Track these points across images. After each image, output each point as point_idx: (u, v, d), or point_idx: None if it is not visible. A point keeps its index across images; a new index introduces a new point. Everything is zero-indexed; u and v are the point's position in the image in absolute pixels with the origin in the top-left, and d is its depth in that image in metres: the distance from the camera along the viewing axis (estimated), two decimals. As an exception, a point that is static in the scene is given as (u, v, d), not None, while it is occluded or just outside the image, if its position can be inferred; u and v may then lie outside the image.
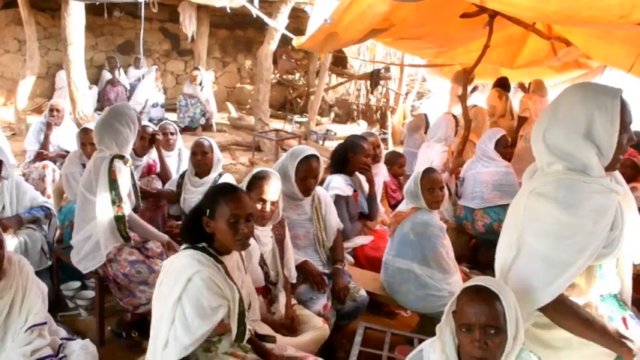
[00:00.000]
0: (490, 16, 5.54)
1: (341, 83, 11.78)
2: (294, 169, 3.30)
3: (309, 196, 3.39)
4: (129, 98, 10.12)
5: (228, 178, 4.19)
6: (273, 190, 2.89)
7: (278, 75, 11.80)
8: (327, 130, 9.31)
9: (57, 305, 3.67)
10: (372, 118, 10.97)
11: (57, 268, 3.72)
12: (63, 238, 3.88)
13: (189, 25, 9.51)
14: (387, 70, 10.48)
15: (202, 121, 9.31)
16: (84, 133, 4.18)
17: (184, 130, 9.17)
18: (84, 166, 4.07)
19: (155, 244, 3.42)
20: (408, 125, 7.45)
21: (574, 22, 3.36)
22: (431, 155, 5.28)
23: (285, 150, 8.03)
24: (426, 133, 6.86)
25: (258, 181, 2.90)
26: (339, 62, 11.46)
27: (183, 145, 4.98)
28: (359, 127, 10.42)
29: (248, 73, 12.46)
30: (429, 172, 3.32)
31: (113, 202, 3.21)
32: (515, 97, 8.09)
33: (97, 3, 8.07)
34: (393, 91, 10.68)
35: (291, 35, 6.05)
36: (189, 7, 9.46)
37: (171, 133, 4.77)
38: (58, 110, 5.56)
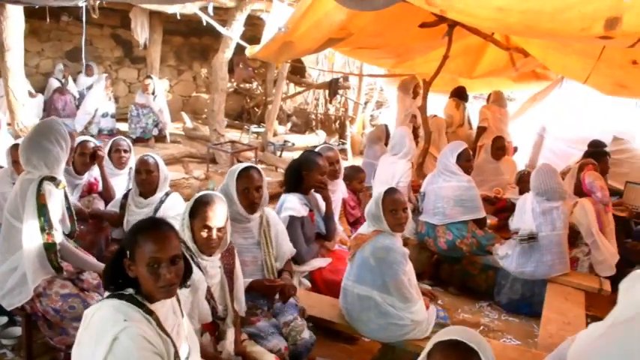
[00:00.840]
0: (449, 26, 5.43)
1: (299, 92, 11.57)
2: (234, 185, 3.06)
3: (254, 212, 3.12)
4: (78, 107, 9.66)
5: (175, 199, 3.90)
6: (219, 215, 2.62)
7: (235, 84, 11.50)
8: (285, 141, 9.07)
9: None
10: (330, 127, 10.78)
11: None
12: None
13: (141, 31, 9.15)
14: (346, 79, 10.33)
15: (155, 131, 8.94)
16: (15, 150, 3.82)
17: (136, 141, 8.79)
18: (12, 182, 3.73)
19: (91, 275, 3.10)
20: (369, 136, 7.27)
21: (534, 33, 3.27)
22: (394, 172, 5.07)
23: (240, 162, 7.76)
24: (386, 144, 6.72)
25: (201, 206, 2.62)
26: (297, 71, 11.24)
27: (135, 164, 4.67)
28: (317, 137, 10.22)
29: (204, 81, 12.12)
30: (391, 192, 3.10)
31: (42, 230, 2.89)
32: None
33: (37, 7, 7.65)
34: (352, 101, 10.52)
35: (245, 44, 5.80)
36: (140, 14, 9.09)
37: (125, 151, 4.44)
38: None
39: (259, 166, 3.21)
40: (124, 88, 11.30)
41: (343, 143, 9.55)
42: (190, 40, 11.75)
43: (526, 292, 4.36)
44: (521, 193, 5.31)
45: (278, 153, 8.87)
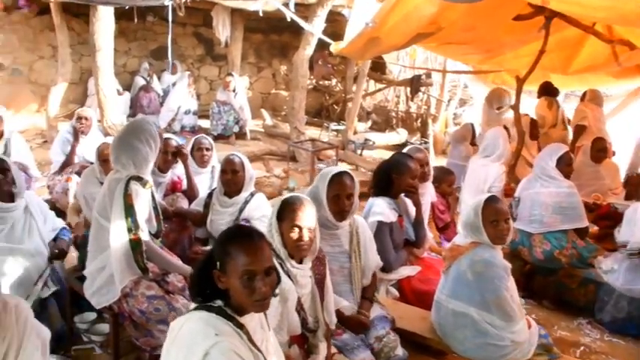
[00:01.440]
0: (547, 18, 5.05)
1: (380, 89, 11.32)
2: (324, 190, 2.92)
3: (343, 220, 2.98)
4: (161, 104, 9.88)
5: (260, 199, 3.82)
6: (308, 216, 2.49)
7: (314, 80, 11.40)
8: (366, 140, 8.87)
9: (70, 339, 3.33)
10: (412, 126, 10.48)
11: (70, 298, 3.38)
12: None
13: (222, 29, 9.20)
14: (429, 76, 10.00)
15: (236, 128, 8.98)
16: (104, 149, 3.86)
17: (217, 138, 8.87)
18: (100, 182, 3.76)
19: (176, 278, 3.05)
20: (454, 135, 6.98)
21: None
22: (486, 176, 4.78)
23: (321, 160, 7.65)
24: (472, 144, 6.42)
25: (289, 207, 2.50)
26: (378, 68, 11.01)
27: (217, 162, 4.63)
28: (398, 136, 9.96)
29: (283, 78, 12.11)
30: (492, 201, 2.85)
31: (129, 230, 2.85)
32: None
33: (127, 7, 7.84)
34: (435, 98, 10.18)
35: (328, 40, 5.65)
36: (222, 12, 9.14)
37: (207, 149, 4.42)
38: (85, 119, 5.29)
39: (349, 169, 3.03)
40: (205, 86, 11.46)
41: (425, 142, 9.24)
42: (270, 37, 11.77)
43: (633, 311, 3.96)
44: (627, 198, 4.87)
45: (358, 151, 8.69)
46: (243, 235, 1.89)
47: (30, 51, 9.41)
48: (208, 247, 3.68)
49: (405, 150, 4.17)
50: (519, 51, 6.46)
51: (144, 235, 2.93)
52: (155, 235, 3.21)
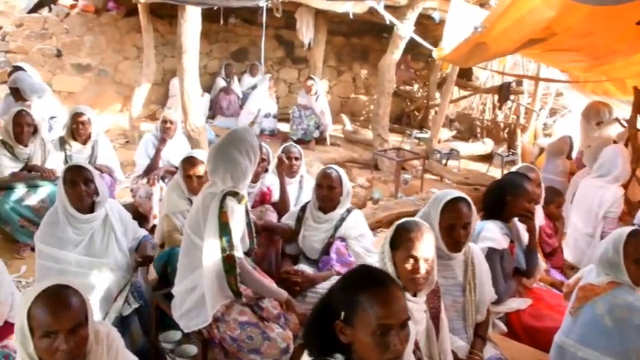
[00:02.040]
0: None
1: (464, 97, 10.83)
2: (437, 218, 2.62)
3: (458, 251, 2.67)
4: (241, 107, 9.80)
5: (358, 217, 3.54)
6: (426, 245, 2.21)
7: (395, 85, 11.04)
8: (452, 149, 8.44)
9: (154, 359, 3.16)
10: (498, 135, 9.93)
11: (156, 316, 3.20)
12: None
13: (306, 32, 9.01)
14: (519, 83, 9.45)
15: (316, 133, 8.75)
16: (189, 164, 3.66)
17: (297, 142, 8.66)
18: (190, 201, 3.57)
19: (272, 303, 2.80)
20: (550, 148, 6.46)
21: None
22: (601, 199, 4.31)
23: (405, 170, 7.30)
24: (569, 158, 5.95)
25: (405, 234, 2.22)
26: (464, 74, 10.52)
27: (306, 172, 4.39)
28: (484, 146, 9.45)
29: (363, 82, 11.81)
30: (636, 236, 2.45)
31: (223, 250, 2.63)
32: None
33: (215, 8, 7.77)
34: (525, 107, 9.60)
35: (428, 46, 5.30)
36: (306, 13, 8.95)
37: (296, 158, 4.18)
38: (171, 122, 5.17)
39: (467, 197, 2.70)
40: (284, 89, 11.32)
41: (513, 154, 8.71)
42: (351, 40, 11.49)
43: None
44: None
45: (443, 162, 8.27)
46: (375, 281, 1.61)
47: (116, 52, 9.55)
48: (301, 267, 3.44)
49: (515, 168, 3.79)
50: (631, 58, 5.89)
51: (238, 255, 2.71)
52: (247, 253, 3.00)
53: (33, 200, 4.35)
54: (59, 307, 1.78)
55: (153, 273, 3.66)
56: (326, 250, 3.48)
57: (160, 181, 4.99)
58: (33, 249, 4.48)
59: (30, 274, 4.12)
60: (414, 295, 2.24)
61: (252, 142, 2.80)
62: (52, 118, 5.65)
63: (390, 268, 2.23)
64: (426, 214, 2.71)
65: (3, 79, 8.39)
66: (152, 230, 5.01)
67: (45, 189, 4.42)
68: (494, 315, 3.26)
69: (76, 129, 4.66)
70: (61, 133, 4.88)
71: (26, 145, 4.45)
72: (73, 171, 2.99)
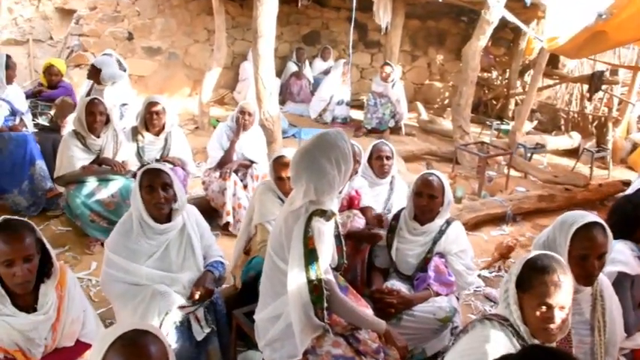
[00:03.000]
0: None
1: (550, 85, 10.06)
2: (566, 245, 2.22)
3: (590, 285, 2.28)
4: (312, 93, 9.45)
5: (458, 230, 3.14)
6: (564, 290, 1.84)
7: (472, 72, 10.41)
8: (537, 144, 7.79)
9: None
10: (586, 129, 9.17)
11: (235, 335, 2.89)
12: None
13: (383, 15, 8.48)
14: (614, 72, 8.66)
15: (391, 123, 8.29)
16: (279, 164, 3.27)
17: (370, 132, 8.28)
18: (282, 200, 3.22)
19: (369, 335, 2.43)
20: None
21: None
22: None
23: (488, 165, 6.75)
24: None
25: (536, 275, 1.87)
26: (549, 61, 9.77)
27: (397, 172, 4.00)
28: (571, 140, 8.73)
29: (439, 68, 11.21)
30: None
31: (310, 281, 2.25)
32: None
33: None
34: (619, 99, 8.81)
35: (533, 34, 4.75)
36: (384, -4, 8.46)
37: (387, 157, 3.84)
38: (249, 114, 4.85)
39: (603, 223, 2.25)
40: (356, 74, 10.87)
41: (603, 149, 7.99)
42: (427, 23, 10.89)
43: None
44: None
45: (527, 157, 7.64)
46: None
47: (186, 35, 9.36)
48: (395, 284, 3.05)
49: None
50: None
51: (329, 277, 2.35)
52: (336, 269, 2.64)
53: (103, 194, 4.14)
54: (138, 358, 1.49)
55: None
56: (422, 266, 3.09)
57: (234, 174, 4.70)
58: (103, 244, 4.36)
59: (100, 272, 3.92)
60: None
61: (345, 149, 2.36)
62: (124, 105, 5.44)
63: (515, 312, 1.90)
64: (551, 241, 2.29)
65: (76, 62, 8.35)
66: (225, 227, 4.76)
67: (116, 183, 4.21)
68: (620, 351, 2.79)
69: (150, 119, 4.41)
70: (134, 123, 4.65)
71: (98, 136, 4.23)
72: (150, 175, 2.69)
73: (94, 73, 5.48)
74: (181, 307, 2.64)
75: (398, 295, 2.91)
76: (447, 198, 3.06)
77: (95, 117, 4.12)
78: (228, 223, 4.73)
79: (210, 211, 4.97)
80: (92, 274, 3.96)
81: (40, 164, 4.66)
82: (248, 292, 3.19)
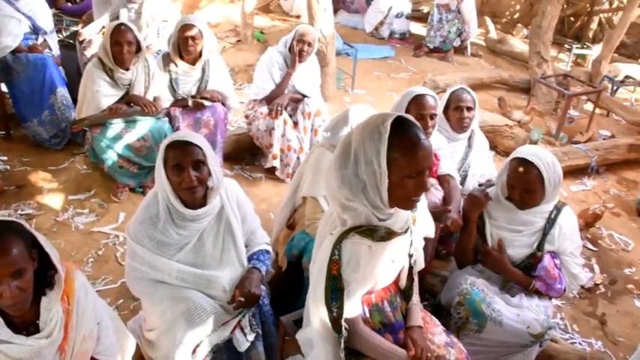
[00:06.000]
0: None
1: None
2: None
3: None
4: (368, 3, 8.45)
5: (572, 220, 2.48)
6: None
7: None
8: (626, 77, 6.78)
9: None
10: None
11: (282, 341, 2.38)
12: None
13: None
14: None
15: (457, 42, 7.34)
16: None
17: (432, 51, 7.39)
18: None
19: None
20: None
21: None
22: None
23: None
24: None
25: None
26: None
27: (478, 126, 3.31)
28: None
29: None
30: None
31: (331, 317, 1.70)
32: None
33: None
34: None
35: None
36: None
37: (469, 108, 3.13)
38: (309, 45, 4.07)
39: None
40: (416, -19, 9.73)
41: None
42: None
43: None
44: None
45: (612, 92, 6.65)
46: None
47: None
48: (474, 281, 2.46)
49: None
50: None
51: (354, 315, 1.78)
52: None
53: (133, 137, 3.58)
54: None
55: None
56: (527, 263, 2.47)
57: (285, 113, 4.06)
58: (132, 189, 3.86)
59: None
60: None
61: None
62: (163, 21, 4.66)
63: None
64: None
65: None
66: (271, 171, 4.19)
67: (145, 124, 3.63)
68: None
69: (185, 45, 3.69)
70: (166, 48, 3.96)
71: (127, 69, 3.58)
72: (176, 151, 2.04)
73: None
74: (223, 324, 2.13)
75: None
76: (550, 185, 2.36)
77: (122, 47, 3.43)
78: (274, 168, 4.16)
79: (253, 149, 4.40)
80: (119, 229, 3.47)
81: (63, 92, 4.09)
82: (293, 274, 2.70)
